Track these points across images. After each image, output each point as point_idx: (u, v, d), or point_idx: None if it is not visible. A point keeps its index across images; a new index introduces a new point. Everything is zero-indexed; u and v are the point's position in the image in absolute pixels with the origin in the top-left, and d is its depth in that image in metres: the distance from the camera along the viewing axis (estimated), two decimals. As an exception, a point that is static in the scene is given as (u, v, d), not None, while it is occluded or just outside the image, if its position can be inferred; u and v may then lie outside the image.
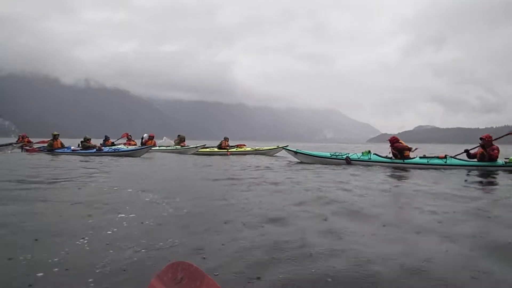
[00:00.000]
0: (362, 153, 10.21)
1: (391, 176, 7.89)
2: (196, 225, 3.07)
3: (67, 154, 13.73)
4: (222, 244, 2.55)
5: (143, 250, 2.39)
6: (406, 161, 9.71)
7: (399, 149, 9.86)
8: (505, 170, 8.73)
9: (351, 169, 8.92)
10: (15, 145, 15.87)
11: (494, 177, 7.68)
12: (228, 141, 17.37)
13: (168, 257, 2.26)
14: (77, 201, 4.09)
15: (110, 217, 3.32)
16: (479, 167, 9.05)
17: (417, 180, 6.89)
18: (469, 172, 8.59)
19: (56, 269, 2.05)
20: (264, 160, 12.80)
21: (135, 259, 2.24)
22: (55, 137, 15.09)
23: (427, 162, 9.44)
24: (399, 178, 7.65)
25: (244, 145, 17.89)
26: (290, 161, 11.72)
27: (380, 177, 7.48)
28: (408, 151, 9.83)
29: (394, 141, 9.98)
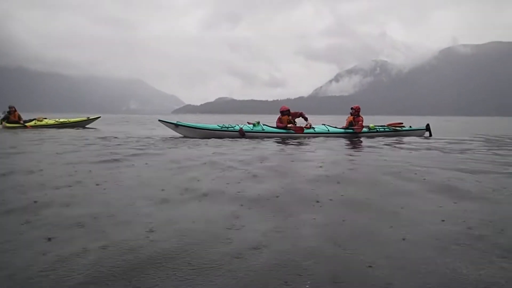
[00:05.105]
0: (253, 124, 10.32)
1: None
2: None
3: None
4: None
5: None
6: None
7: (296, 118, 10.59)
8: (369, 136, 10.57)
9: (255, 142, 8.77)
10: None
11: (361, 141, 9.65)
12: (16, 111, 14.43)
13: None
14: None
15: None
16: (347, 134, 10.66)
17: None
18: (346, 138, 10.11)
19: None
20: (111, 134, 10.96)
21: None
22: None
23: (315, 131, 10.43)
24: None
25: (45, 118, 15.48)
26: (167, 137, 10.12)
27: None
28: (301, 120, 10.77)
29: (288, 111, 10.57)
